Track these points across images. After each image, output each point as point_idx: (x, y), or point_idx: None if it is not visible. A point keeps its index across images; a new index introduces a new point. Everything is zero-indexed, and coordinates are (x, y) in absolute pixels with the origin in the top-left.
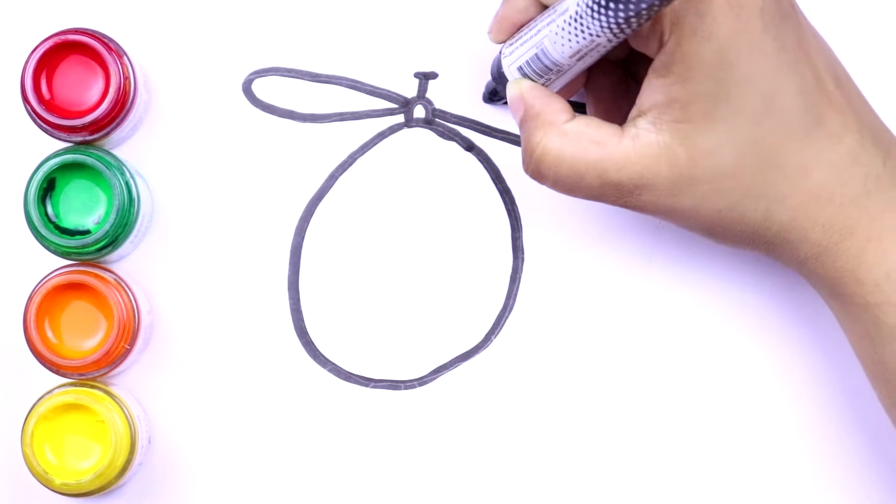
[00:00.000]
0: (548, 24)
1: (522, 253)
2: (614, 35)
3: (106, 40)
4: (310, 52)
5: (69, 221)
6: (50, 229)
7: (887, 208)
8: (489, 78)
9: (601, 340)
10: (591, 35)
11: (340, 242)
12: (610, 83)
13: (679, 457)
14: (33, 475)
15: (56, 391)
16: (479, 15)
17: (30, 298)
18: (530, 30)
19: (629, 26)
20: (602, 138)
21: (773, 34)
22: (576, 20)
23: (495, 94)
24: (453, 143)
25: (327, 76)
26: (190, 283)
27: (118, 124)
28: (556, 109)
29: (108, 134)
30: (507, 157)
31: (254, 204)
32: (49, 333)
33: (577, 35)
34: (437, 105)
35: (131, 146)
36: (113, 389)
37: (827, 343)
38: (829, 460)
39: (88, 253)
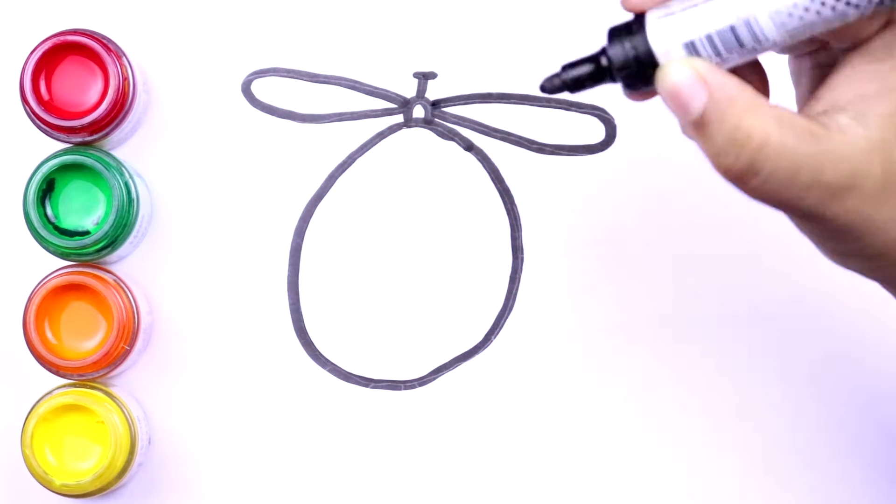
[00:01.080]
0: None
1: (522, 253)
2: (882, 4)
3: (105, 41)
4: (309, 52)
5: (68, 222)
6: (49, 230)
7: None
8: (554, 71)
9: (601, 340)
10: (848, 5)
11: (340, 243)
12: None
13: (678, 456)
14: (33, 476)
15: (56, 392)
16: (479, 15)
17: (29, 299)
18: None
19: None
20: (816, 129)
21: None
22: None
23: (579, 83)
24: (452, 143)
25: (326, 76)
26: (189, 283)
27: (117, 125)
28: (753, 91)
29: (107, 135)
30: (507, 157)
31: (253, 204)
32: (49, 334)
33: (822, 4)
34: (437, 103)
35: (130, 147)
36: (113, 390)
37: (826, 342)
38: (828, 460)
39: (88, 254)
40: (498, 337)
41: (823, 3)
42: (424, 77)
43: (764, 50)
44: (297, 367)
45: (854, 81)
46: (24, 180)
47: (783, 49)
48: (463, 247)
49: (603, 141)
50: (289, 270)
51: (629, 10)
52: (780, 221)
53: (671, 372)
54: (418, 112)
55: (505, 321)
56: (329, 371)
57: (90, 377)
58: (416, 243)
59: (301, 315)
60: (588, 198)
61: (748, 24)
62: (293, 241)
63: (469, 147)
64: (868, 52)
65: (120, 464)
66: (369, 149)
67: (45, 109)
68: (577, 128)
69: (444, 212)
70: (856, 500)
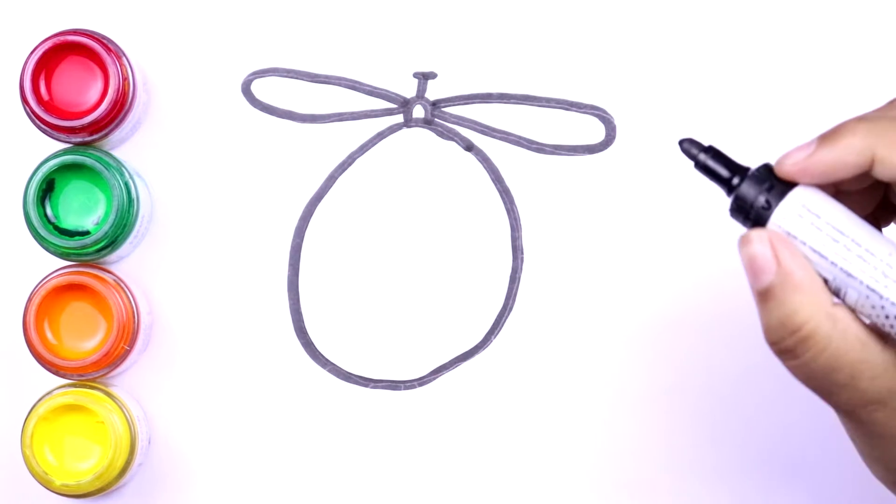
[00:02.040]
0: (867, 298)
1: (522, 253)
2: None
3: (105, 41)
4: (309, 52)
5: (68, 222)
6: (49, 230)
7: None
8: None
9: (601, 340)
10: None
11: (340, 243)
12: None
13: (678, 456)
14: (33, 476)
15: (56, 392)
16: (479, 15)
17: (29, 299)
18: (843, 259)
19: None
20: (867, 339)
21: None
22: None
23: (707, 171)
24: (453, 143)
25: (326, 76)
26: (189, 283)
27: (117, 125)
28: (821, 287)
29: (107, 135)
30: (507, 157)
31: (253, 204)
32: (48, 334)
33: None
34: (437, 103)
35: (130, 147)
36: (112, 390)
37: None
38: (827, 460)
39: (88, 254)
40: (498, 337)
41: None
42: (424, 77)
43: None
44: (296, 366)
45: None
46: (24, 180)
47: None
48: (463, 247)
49: (603, 141)
50: (289, 270)
51: (782, 175)
52: None
53: (671, 372)
54: (418, 112)
55: (505, 321)
56: (329, 371)
57: (90, 377)
58: (416, 243)
59: (301, 315)
60: (588, 198)
61: (867, 298)
62: (293, 240)
63: (469, 147)
64: None
65: (120, 464)
66: (369, 149)
67: (45, 109)
68: (577, 128)
69: (444, 212)
70: (857, 500)
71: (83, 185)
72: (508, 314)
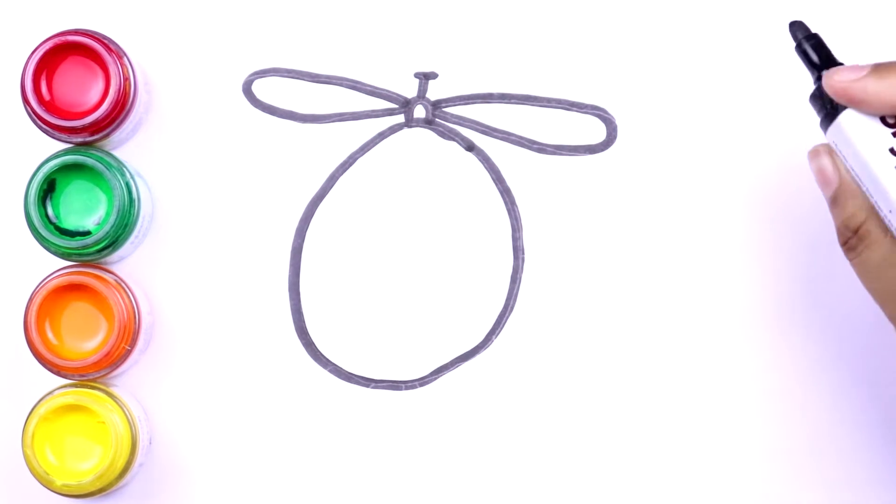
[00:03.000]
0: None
1: (523, 253)
2: None
3: (106, 41)
4: (310, 52)
5: (69, 222)
6: (50, 230)
7: None
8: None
9: (601, 340)
10: None
11: (341, 243)
12: None
13: (678, 455)
14: (34, 476)
15: (57, 392)
16: (479, 15)
17: (30, 299)
18: (866, 184)
19: None
20: None
21: None
22: None
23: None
24: (453, 143)
25: (327, 77)
26: (190, 284)
27: (118, 125)
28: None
29: (108, 135)
30: (508, 158)
31: (254, 205)
32: (49, 334)
33: None
34: (438, 103)
35: (131, 147)
36: (113, 390)
37: (822, 342)
38: (824, 459)
39: (89, 254)
40: (498, 337)
41: None
42: (425, 77)
43: None
44: (298, 367)
45: None
46: (25, 180)
47: None
48: (464, 247)
49: (603, 141)
50: (290, 271)
51: (826, 90)
52: (780, 222)
53: (672, 371)
54: (419, 112)
55: (506, 321)
56: (330, 371)
57: (91, 377)
58: (417, 243)
59: (302, 315)
60: (588, 198)
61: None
62: (294, 241)
63: (470, 147)
64: None
65: (121, 464)
66: (370, 149)
67: (47, 109)
68: (578, 128)
69: (445, 212)
70: (863, 500)
71: (84, 185)
72: (509, 314)
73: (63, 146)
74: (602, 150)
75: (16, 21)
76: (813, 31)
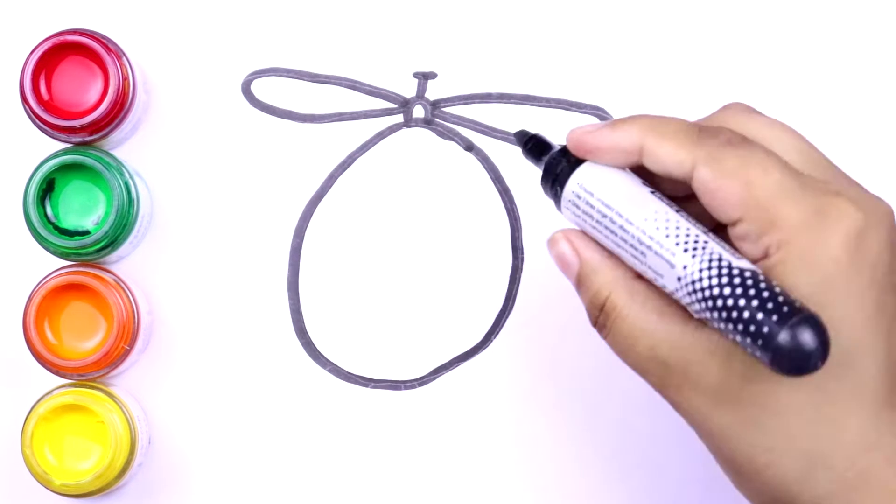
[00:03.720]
0: (633, 258)
1: (522, 253)
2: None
3: (105, 41)
4: (309, 52)
5: (68, 222)
6: (49, 230)
7: None
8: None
9: (601, 340)
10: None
11: (340, 243)
12: None
13: (678, 455)
14: (33, 476)
15: (56, 392)
16: (479, 15)
17: (29, 299)
18: (614, 232)
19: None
20: (667, 312)
21: (877, 294)
22: (669, 290)
23: (534, 157)
24: (453, 143)
25: (326, 76)
26: (189, 283)
27: (117, 125)
28: (617, 263)
29: (107, 135)
30: (507, 157)
31: (253, 204)
32: (49, 334)
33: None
34: (437, 103)
35: (130, 147)
36: (113, 390)
37: None
38: None
39: (88, 254)
40: (498, 337)
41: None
42: (424, 77)
43: None
44: (297, 367)
45: None
46: (24, 180)
47: None
48: (463, 247)
49: None
50: (289, 270)
51: (568, 145)
52: None
53: None
54: (418, 112)
55: (505, 321)
56: (329, 371)
57: (90, 377)
58: (416, 243)
59: (301, 315)
60: None
61: (641, 262)
62: (293, 241)
63: (469, 147)
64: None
65: (120, 464)
66: (369, 149)
67: (45, 109)
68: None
69: (444, 212)
70: None
71: (83, 184)
72: (508, 314)
73: (62, 146)
74: None
75: (15, 21)
76: (532, 132)
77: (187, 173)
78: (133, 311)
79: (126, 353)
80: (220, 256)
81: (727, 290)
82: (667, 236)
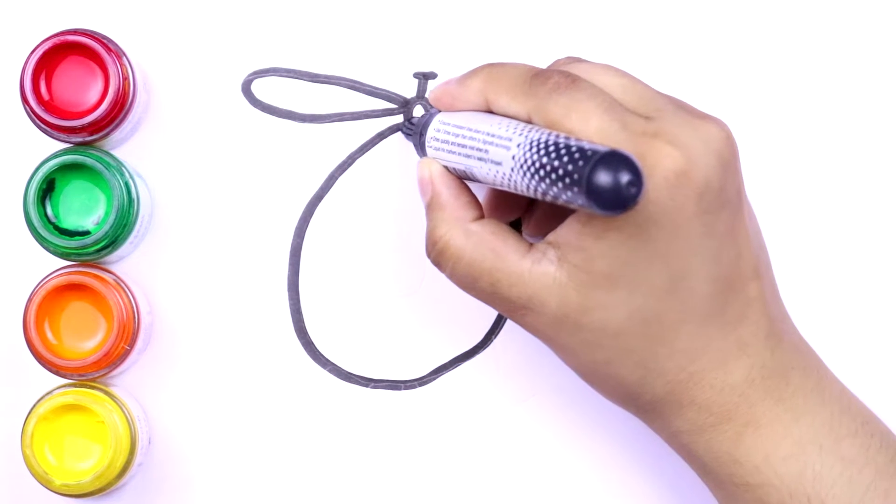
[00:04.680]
0: (479, 160)
1: None
2: (542, 199)
3: (105, 41)
4: (309, 52)
5: (69, 222)
6: (49, 230)
7: (767, 396)
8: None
9: None
10: (519, 192)
11: (340, 243)
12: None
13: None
14: (33, 476)
15: (56, 392)
16: (479, 15)
17: (29, 299)
18: (465, 146)
19: (555, 202)
20: (503, 251)
21: (704, 220)
22: (508, 178)
23: (409, 129)
24: None
25: (327, 76)
26: (190, 283)
27: (117, 125)
28: (463, 204)
29: (107, 135)
30: None
31: (253, 204)
32: (49, 334)
33: (505, 185)
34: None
35: (131, 147)
36: (113, 390)
37: (818, 343)
38: None
39: (88, 254)
40: (498, 337)
41: (513, 187)
42: (424, 77)
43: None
44: (297, 367)
45: (568, 229)
46: (24, 180)
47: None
48: None
49: None
50: (289, 270)
51: (435, 105)
52: (778, 223)
53: None
54: (418, 112)
55: (505, 321)
56: (329, 371)
57: (90, 377)
58: (416, 243)
59: (301, 315)
60: None
61: (472, 173)
62: (293, 241)
63: None
64: (578, 213)
65: (120, 464)
66: (369, 149)
67: (46, 109)
68: None
69: None
70: None
71: (83, 184)
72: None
73: (62, 146)
74: None
75: (15, 21)
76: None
77: (187, 173)
78: (133, 311)
79: (126, 353)
80: (221, 256)
81: (550, 157)
82: (505, 130)
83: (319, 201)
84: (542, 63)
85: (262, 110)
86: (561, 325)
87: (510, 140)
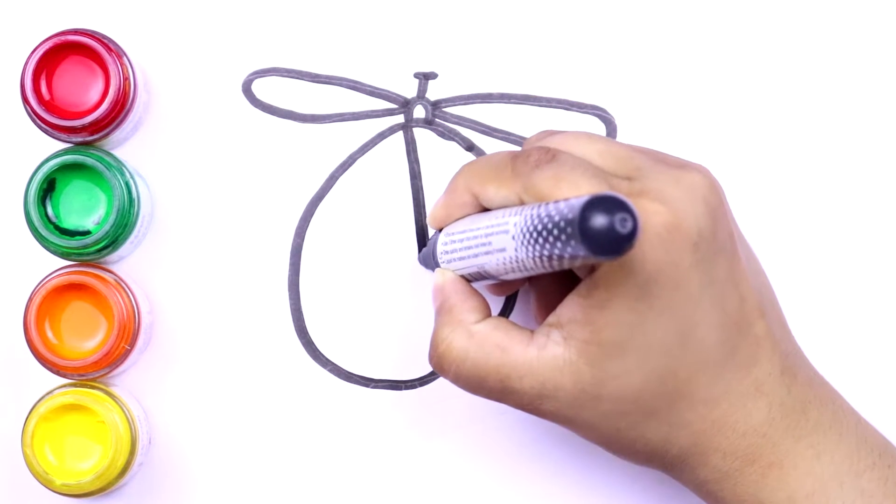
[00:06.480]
0: (486, 254)
1: None
2: (552, 268)
3: (105, 41)
4: (310, 52)
5: (69, 222)
6: (50, 230)
7: (788, 434)
8: (432, 232)
9: None
10: (530, 269)
11: (341, 243)
12: (553, 278)
13: None
14: (34, 476)
15: (56, 392)
16: (479, 15)
17: (30, 299)
18: (470, 247)
19: (563, 266)
20: (507, 344)
21: (702, 269)
22: (515, 260)
23: (423, 260)
24: (453, 143)
25: (327, 76)
26: (190, 283)
27: (118, 125)
28: (470, 308)
29: (107, 134)
30: None
31: (254, 204)
32: (49, 334)
33: (516, 268)
34: (438, 103)
35: (131, 147)
36: (113, 390)
37: (815, 344)
38: None
39: (88, 253)
40: None
41: (519, 270)
42: (425, 77)
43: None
44: (297, 366)
45: (570, 307)
46: (24, 180)
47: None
48: None
49: None
50: (289, 270)
51: (433, 228)
52: (777, 223)
53: None
54: (419, 112)
55: None
56: (329, 371)
57: (91, 377)
58: (416, 243)
59: (301, 315)
60: None
61: (484, 270)
62: (294, 241)
63: (470, 147)
64: (578, 289)
65: (120, 463)
66: (370, 149)
67: (46, 109)
68: (578, 128)
69: None
70: None
71: (84, 184)
72: (508, 314)
73: (63, 146)
74: None
75: (16, 21)
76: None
77: (188, 173)
78: (133, 311)
79: (126, 353)
80: (221, 256)
81: (543, 221)
82: (501, 217)
83: (320, 201)
84: (543, 63)
85: (263, 110)
86: (580, 403)
87: (507, 223)
